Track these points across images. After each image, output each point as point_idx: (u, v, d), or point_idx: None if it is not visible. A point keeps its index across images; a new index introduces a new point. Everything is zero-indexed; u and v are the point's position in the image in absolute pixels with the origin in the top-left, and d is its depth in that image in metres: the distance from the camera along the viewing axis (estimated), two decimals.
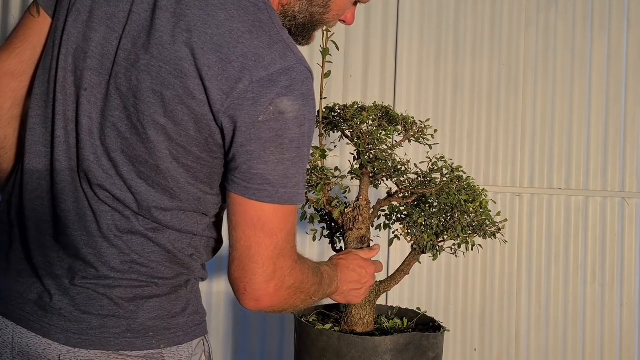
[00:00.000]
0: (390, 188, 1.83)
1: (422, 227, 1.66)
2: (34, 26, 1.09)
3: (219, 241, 1.15)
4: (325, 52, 1.72)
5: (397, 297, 3.00)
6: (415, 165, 1.73)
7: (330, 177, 1.65)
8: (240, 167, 0.97)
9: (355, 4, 1.24)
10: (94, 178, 1.01)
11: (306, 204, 1.72)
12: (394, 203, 1.76)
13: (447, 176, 1.69)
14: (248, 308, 1.04)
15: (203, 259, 1.12)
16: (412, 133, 1.75)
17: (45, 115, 1.05)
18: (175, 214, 1.03)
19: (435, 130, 1.79)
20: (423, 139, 1.75)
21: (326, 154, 1.66)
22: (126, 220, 1.02)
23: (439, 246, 1.67)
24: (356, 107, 1.73)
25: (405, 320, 1.76)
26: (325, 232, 1.83)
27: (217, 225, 1.13)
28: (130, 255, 1.02)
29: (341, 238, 1.75)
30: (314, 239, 1.77)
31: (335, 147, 1.85)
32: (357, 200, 1.69)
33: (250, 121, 0.94)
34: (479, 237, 1.67)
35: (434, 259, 1.65)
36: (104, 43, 1.01)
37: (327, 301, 3.07)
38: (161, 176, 1.00)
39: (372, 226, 1.75)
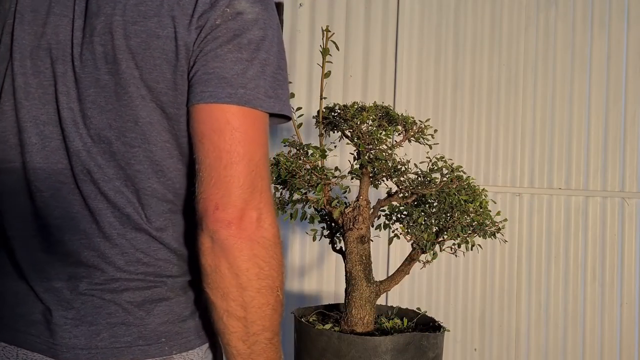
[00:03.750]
0: (390, 188, 1.84)
1: (422, 226, 1.66)
2: None
3: None
4: (325, 52, 1.72)
5: (397, 297, 3.00)
6: (415, 165, 1.73)
7: (330, 177, 1.65)
8: (197, 73, 0.92)
9: None
10: (94, 168, 0.95)
11: (306, 203, 1.72)
12: (394, 203, 1.77)
13: (447, 176, 1.69)
14: (219, 235, 0.89)
15: None
16: (412, 133, 1.75)
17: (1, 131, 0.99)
18: (169, 174, 0.97)
19: (435, 130, 1.79)
20: (423, 139, 1.76)
21: (326, 154, 1.66)
22: (126, 217, 0.96)
23: (439, 245, 1.67)
24: (356, 107, 1.73)
25: (405, 320, 1.76)
26: (325, 232, 1.83)
27: None
28: (134, 255, 0.97)
29: (341, 238, 1.75)
30: (314, 239, 1.77)
31: (335, 147, 1.85)
32: (357, 200, 1.69)
33: (209, 26, 0.92)
34: (479, 237, 1.67)
35: (433, 259, 1.65)
36: (57, 31, 0.97)
37: (327, 301, 3.07)
38: (155, 132, 0.95)
39: (372, 226, 1.75)
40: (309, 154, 1.66)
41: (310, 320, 1.76)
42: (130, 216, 0.96)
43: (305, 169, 1.64)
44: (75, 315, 0.95)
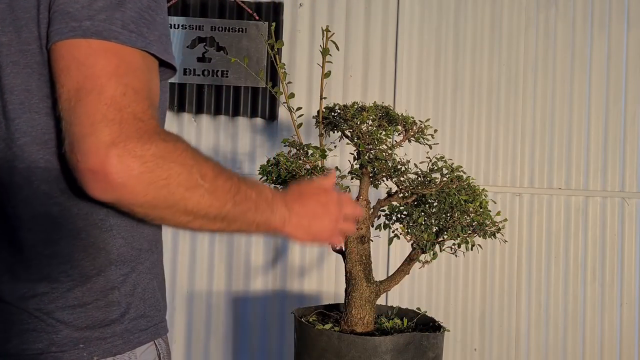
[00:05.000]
0: (390, 188, 1.84)
1: (422, 226, 1.66)
2: None
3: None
4: (325, 52, 1.72)
5: (397, 297, 3.00)
6: (415, 165, 1.73)
7: None
8: (48, 20, 0.85)
9: None
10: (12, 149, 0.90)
11: None
12: (394, 203, 1.77)
13: (447, 176, 1.69)
14: (94, 194, 0.80)
15: (135, 236, 0.95)
16: (412, 133, 1.75)
17: None
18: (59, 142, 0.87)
19: (435, 130, 1.79)
20: (423, 139, 1.76)
21: (326, 154, 1.66)
22: (26, 204, 0.88)
23: (439, 245, 1.67)
24: (356, 107, 1.73)
25: (405, 320, 1.76)
26: None
27: None
28: (36, 247, 0.89)
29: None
30: None
31: (335, 147, 1.85)
32: (357, 200, 1.69)
33: None
34: (479, 237, 1.67)
35: (433, 259, 1.65)
36: None
37: (327, 301, 3.07)
38: (35, 99, 0.88)
39: (372, 226, 1.75)
40: (309, 154, 1.66)
41: (310, 320, 1.76)
42: (30, 200, 0.89)
43: (305, 169, 1.64)
44: None
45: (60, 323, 0.90)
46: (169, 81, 0.99)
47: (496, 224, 1.68)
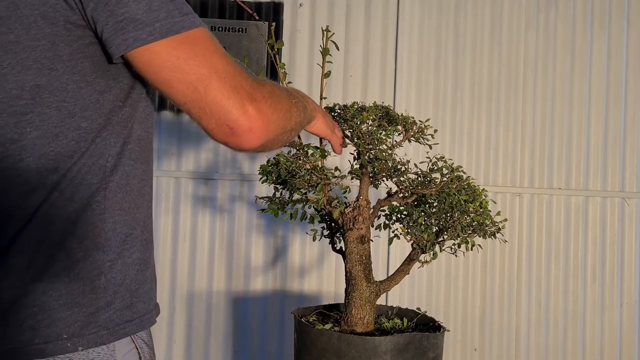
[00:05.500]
0: (390, 188, 1.83)
1: (422, 226, 1.66)
2: None
3: (147, 171, 1.02)
4: (325, 52, 1.72)
5: (397, 297, 3.00)
6: (415, 165, 1.73)
7: (330, 177, 1.65)
8: (107, 26, 0.87)
9: None
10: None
11: (306, 203, 1.72)
12: (394, 203, 1.77)
13: (447, 176, 1.69)
14: (251, 146, 0.95)
15: (124, 221, 0.97)
16: (412, 133, 1.75)
17: None
18: (70, 135, 0.91)
19: (435, 130, 1.79)
20: (423, 139, 1.76)
21: (326, 154, 1.66)
22: (40, 188, 0.90)
23: (439, 245, 1.67)
24: (356, 107, 1.73)
25: (405, 320, 1.76)
26: (325, 232, 1.83)
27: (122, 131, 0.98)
28: (28, 236, 0.90)
29: (341, 238, 1.75)
30: (314, 239, 1.77)
31: None
32: (357, 200, 1.69)
33: None
34: (479, 237, 1.67)
35: (433, 259, 1.65)
36: None
37: (327, 301, 3.06)
38: (46, 93, 0.90)
39: (372, 226, 1.75)
40: (309, 154, 1.66)
41: (310, 320, 1.76)
42: (35, 191, 0.90)
43: (305, 169, 1.64)
44: None
45: (44, 312, 0.89)
46: None
47: (496, 224, 1.68)
